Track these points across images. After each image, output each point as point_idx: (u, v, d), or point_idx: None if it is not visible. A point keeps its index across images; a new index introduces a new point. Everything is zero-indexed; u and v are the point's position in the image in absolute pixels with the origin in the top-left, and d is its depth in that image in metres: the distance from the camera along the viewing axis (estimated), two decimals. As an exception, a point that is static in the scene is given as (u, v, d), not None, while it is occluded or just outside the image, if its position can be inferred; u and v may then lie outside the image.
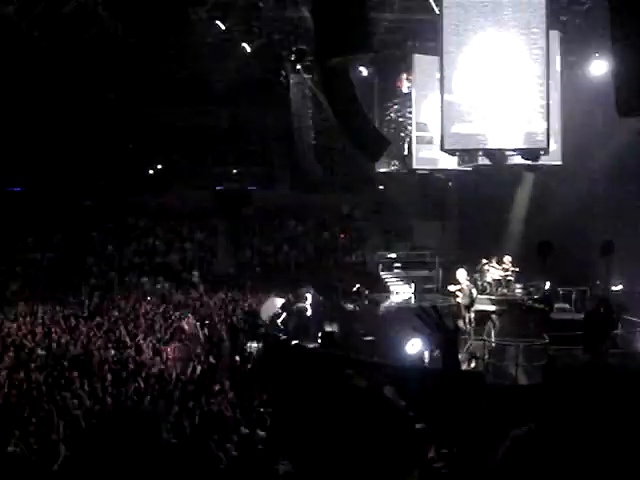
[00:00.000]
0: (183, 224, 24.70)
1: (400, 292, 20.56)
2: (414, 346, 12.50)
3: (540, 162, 16.42)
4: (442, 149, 16.69)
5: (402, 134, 18.84)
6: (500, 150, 16.14)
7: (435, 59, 16.60)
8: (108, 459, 2.40)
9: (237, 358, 14.86)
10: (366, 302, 18.69)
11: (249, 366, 14.33)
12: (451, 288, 15.96)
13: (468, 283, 15.44)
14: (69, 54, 16.87)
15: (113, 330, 15.42)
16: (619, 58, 12.05)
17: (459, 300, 15.76)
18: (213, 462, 8.31)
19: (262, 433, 9.15)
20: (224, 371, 13.36)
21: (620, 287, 16.11)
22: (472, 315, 15.20)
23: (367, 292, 19.17)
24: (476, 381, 11.25)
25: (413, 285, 20.42)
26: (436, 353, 12.72)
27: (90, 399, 10.39)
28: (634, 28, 11.87)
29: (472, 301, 15.24)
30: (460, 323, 15.56)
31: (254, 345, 15.67)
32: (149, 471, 2.34)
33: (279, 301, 17.79)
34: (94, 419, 9.35)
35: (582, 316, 15.48)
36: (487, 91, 15.76)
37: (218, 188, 25.74)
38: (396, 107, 19.02)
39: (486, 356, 12.57)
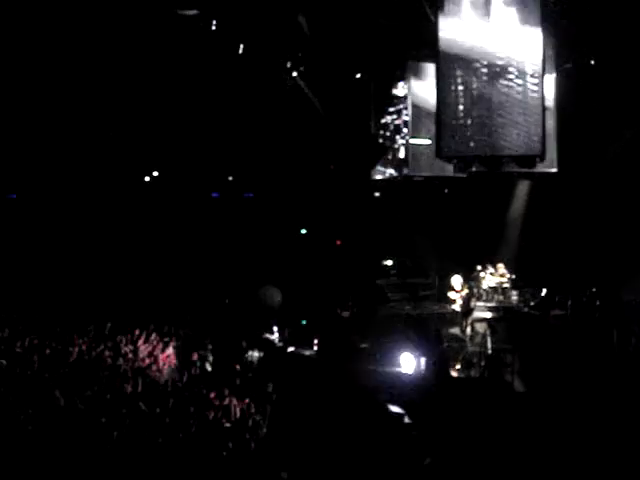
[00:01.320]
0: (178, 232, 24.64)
1: (396, 299, 20.55)
2: (409, 355, 12.51)
3: (535, 169, 16.46)
4: (438, 156, 16.72)
5: (398, 141, 18.87)
6: (496, 157, 16.17)
7: (431, 65, 16.66)
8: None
9: (237, 366, 14.86)
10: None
11: (250, 374, 14.33)
12: (450, 295, 15.98)
13: (467, 291, 15.48)
14: (59, 56, 16.94)
15: (107, 337, 15.36)
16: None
17: (456, 308, 15.79)
18: (208, 469, 8.28)
19: (261, 440, 9.14)
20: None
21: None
22: (469, 323, 15.24)
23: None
24: (476, 388, 11.29)
25: (409, 292, 20.42)
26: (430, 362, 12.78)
27: (84, 405, 10.36)
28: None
29: (470, 309, 15.27)
30: (457, 330, 15.62)
31: (255, 354, 15.69)
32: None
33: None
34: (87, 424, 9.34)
35: (578, 322, 15.62)
36: (483, 98, 15.79)
37: (214, 195, 25.70)
38: (392, 114, 19.06)
39: (482, 363, 12.57)
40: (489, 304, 17.13)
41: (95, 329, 16.09)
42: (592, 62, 16.70)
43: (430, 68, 16.80)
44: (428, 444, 8.85)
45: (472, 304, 15.54)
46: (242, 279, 21.51)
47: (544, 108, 15.72)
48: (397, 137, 18.94)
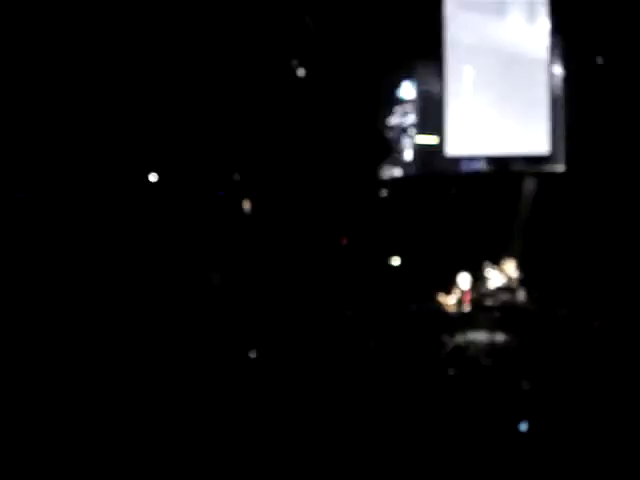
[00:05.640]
0: (186, 229, 24.67)
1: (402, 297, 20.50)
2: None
3: (543, 167, 16.45)
4: (445, 155, 16.74)
5: (405, 139, 18.88)
6: (503, 156, 16.17)
7: (438, 64, 16.68)
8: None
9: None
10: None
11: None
12: (457, 294, 15.93)
13: (474, 290, 15.44)
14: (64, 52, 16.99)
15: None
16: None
17: (464, 306, 15.74)
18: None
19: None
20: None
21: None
22: (476, 321, 15.19)
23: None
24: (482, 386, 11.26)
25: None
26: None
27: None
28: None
29: (477, 308, 15.18)
30: (464, 329, 15.57)
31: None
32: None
33: None
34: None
35: (584, 320, 15.55)
36: (490, 95, 15.80)
37: (220, 193, 25.72)
38: (399, 112, 19.06)
39: (488, 359, 12.54)
40: (496, 303, 17.08)
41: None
42: (600, 59, 16.64)
43: (437, 66, 16.82)
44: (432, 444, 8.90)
45: (479, 303, 15.50)
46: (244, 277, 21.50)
47: (552, 107, 15.71)
48: (404, 135, 18.94)
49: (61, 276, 20.28)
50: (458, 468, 8.65)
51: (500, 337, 14.32)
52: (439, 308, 15.81)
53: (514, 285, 17.41)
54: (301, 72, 17.80)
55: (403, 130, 19.15)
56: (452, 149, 16.34)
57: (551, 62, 15.56)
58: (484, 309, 16.21)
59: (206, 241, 21.13)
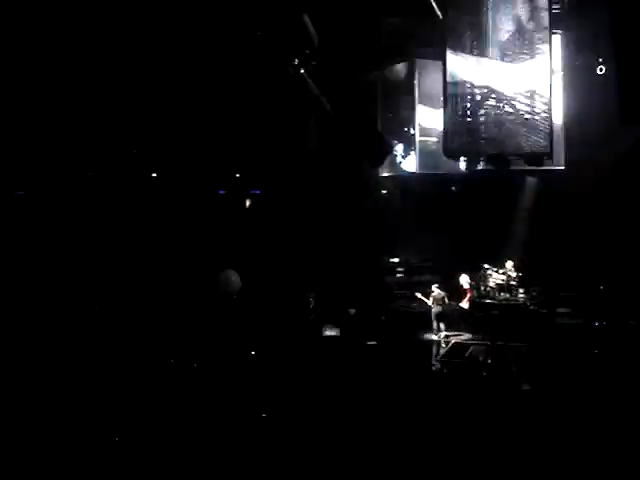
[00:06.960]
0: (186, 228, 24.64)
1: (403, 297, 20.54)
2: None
3: (543, 167, 16.44)
4: (445, 154, 16.73)
5: (405, 139, 18.90)
6: (503, 155, 16.16)
7: (438, 63, 16.66)
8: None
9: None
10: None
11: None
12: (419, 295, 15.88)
13: (439, 291, 15.48)
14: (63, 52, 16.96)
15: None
16: (625, 66, 12.08)
17: (464, 305, 15.75)
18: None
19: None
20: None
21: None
22: (442, 325, 15.27)
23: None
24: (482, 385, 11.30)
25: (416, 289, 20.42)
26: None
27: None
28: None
29: (476, 307, 15.22)
30: (463, 327, 15.62)
31: None
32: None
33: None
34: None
35: (584, 320, 15.60)
36: (490, 95, 15.80)
37: (221, 192, 25.71)
38: (399, 112, 19.07)
39: (488, 360, 12.58)
40: (495, 302, 17.12)
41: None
42: (600, 59, 16.65)
43: (437, 65, 16.79)
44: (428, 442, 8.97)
45: (478, 302, 15.54)
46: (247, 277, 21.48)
47: (551, 105, 15.71)
48: (404, 135, 18.96)
49: (64, 273, 20.26)
50: (456, 466, 8.69)
51: (498, 336, 14.36)
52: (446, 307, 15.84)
53: (514, 284, 17.46)
54: (302, 72, 17.78)
55: (403, 129, 19.18)
56: (453, 148, 16.32)
57: (552, 62, 15.54)
58: (484, 308, 16.26)
59: (208, 239, 21.11)
